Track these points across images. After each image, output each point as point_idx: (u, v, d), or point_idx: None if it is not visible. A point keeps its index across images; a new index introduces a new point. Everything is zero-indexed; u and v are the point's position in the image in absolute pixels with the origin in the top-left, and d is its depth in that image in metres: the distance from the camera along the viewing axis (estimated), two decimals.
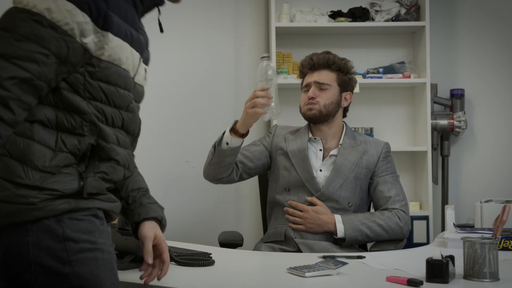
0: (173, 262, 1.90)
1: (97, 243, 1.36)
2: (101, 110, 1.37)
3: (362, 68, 3.54)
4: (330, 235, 2.39)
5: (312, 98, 2.48)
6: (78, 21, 1.31)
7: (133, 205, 1.61)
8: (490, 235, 1.94)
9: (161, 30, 1.60)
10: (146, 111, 3.29)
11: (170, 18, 3.52)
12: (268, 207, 2.62)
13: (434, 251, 1.67)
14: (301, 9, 3.51)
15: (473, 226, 2.39)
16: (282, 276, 1.77)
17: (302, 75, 2.59)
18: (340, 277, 1.74)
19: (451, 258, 1.66)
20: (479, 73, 3.69)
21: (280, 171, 2.52)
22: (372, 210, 2.60)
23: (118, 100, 1.40)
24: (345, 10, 3.52)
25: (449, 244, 2.12)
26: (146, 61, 1.52)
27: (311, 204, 2.42)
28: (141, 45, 1.47)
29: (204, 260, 1.92)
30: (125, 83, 1.42)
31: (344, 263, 1.78)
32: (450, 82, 3.67)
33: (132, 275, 1.78)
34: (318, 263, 1.81)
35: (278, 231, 2.46)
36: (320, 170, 2.48)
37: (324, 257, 1.98)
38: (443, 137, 3.62)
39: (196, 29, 3.52)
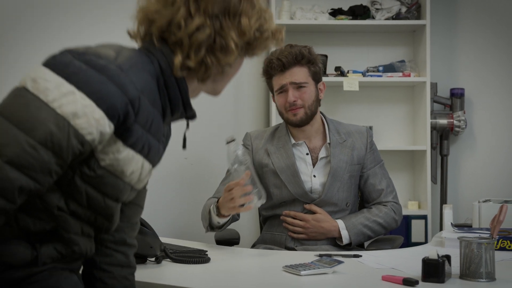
0: (168, 259, 1.90)
1: None
2: (74, 209, 1.21)
3: (362, 67, 3.52)
4: (331, 238, 2.36)
5: (294, 102, 2.35)
6: (103, 131, 1.14)
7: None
8: (488, 235, 1.93)
9: (184, 146, 1.45)
10: None
11: None
12: (262, 218, 2.55)
13: (430, 250, 1.66)
14: (301, 7, 3.50)
15: (471, 226, 2.38)
16: (278, 274, 1.76)
17: (269, 75, 2.40)
18: (336, 276, 1.73)
19: (448, 257, 1.65)
20: (480, 72, 3.68)
21: (271, 189, 2.40)
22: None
23: (100, 209, 1.24)
24: (345, 8, 3.50)
25: (446, 243, 2.11)
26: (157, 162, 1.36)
27: (310, 211, 2.37)
28: (158, 155, 1.32)
29: (199, 257, 1.91)
30: (118, 195, 1.26)
31: (340, 262, 1.77)
32: (450, 81, 3.66)
33: None
34: (314, 262, 1.80)
35: (276, 239, 2.40)
36: (314, 176, 2.40)
37: (320, 255, 1.97)
38: (443, 137, 3.60)
39: None
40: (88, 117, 1.11)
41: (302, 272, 1.71)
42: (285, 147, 2.41)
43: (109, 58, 1.17)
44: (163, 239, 1.95)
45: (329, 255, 1.94)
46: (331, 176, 2.37)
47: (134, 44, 1.32)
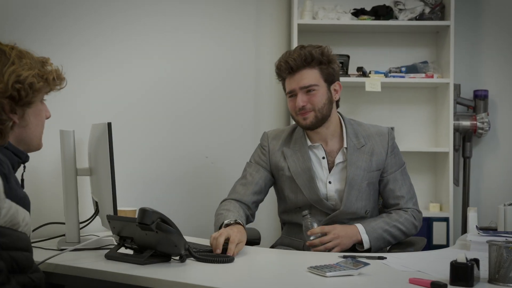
0: (192, 258, 1.89)
1: None
2: (6, 279, 1.33)
3: (384, 67, 3.50)
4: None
5: (303, 106, 2.28)
6: None
7: None
8: None
9: (22, 186, 1.56)
10: (167, 106, 3.31)
11: (192, 15, 3.52)
12: (280, 219, 2.52)
13: (458, 253, 1.63)
14: (323, 6, 3.49)
15: (495, 229, 2.35)
16: (303, 275, 1.75)
17: (281, 77, 2.36)
18: (362, 278, 1.71)
19: (476, 261, 1.63)
20: (504, 74, 3.64)
21: (286, 193, 2.37)
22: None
23: (25, 264, 1.38)
24: (368, 8, 3.48)
25: (472, 246, 2.08)
26: None
27: (329, 222, 2.30)
28: (28, 202, 1.45)
29: (223, 257, 1.90)
30: (28, 246, 1.41)
31: (365, 264, 1.75)
32: (474, 83, 3.62)
33: (151, 270, 1.78)
34: (339, 263, 1.79)
35: (294, 244, 2.36)
36: (330, 182, 2.34)
37: (345, 257, 1.95)
38: (465, 138, 3.57)
39: (217, 24, 3.51)
40: None
41: (328, 274, 1.70)
42: (301, 150, 2.36)
43: None
44: (187, 238, 1.94)
45: (354, 257, 1.93)
46: (348, 185, 2.30)
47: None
